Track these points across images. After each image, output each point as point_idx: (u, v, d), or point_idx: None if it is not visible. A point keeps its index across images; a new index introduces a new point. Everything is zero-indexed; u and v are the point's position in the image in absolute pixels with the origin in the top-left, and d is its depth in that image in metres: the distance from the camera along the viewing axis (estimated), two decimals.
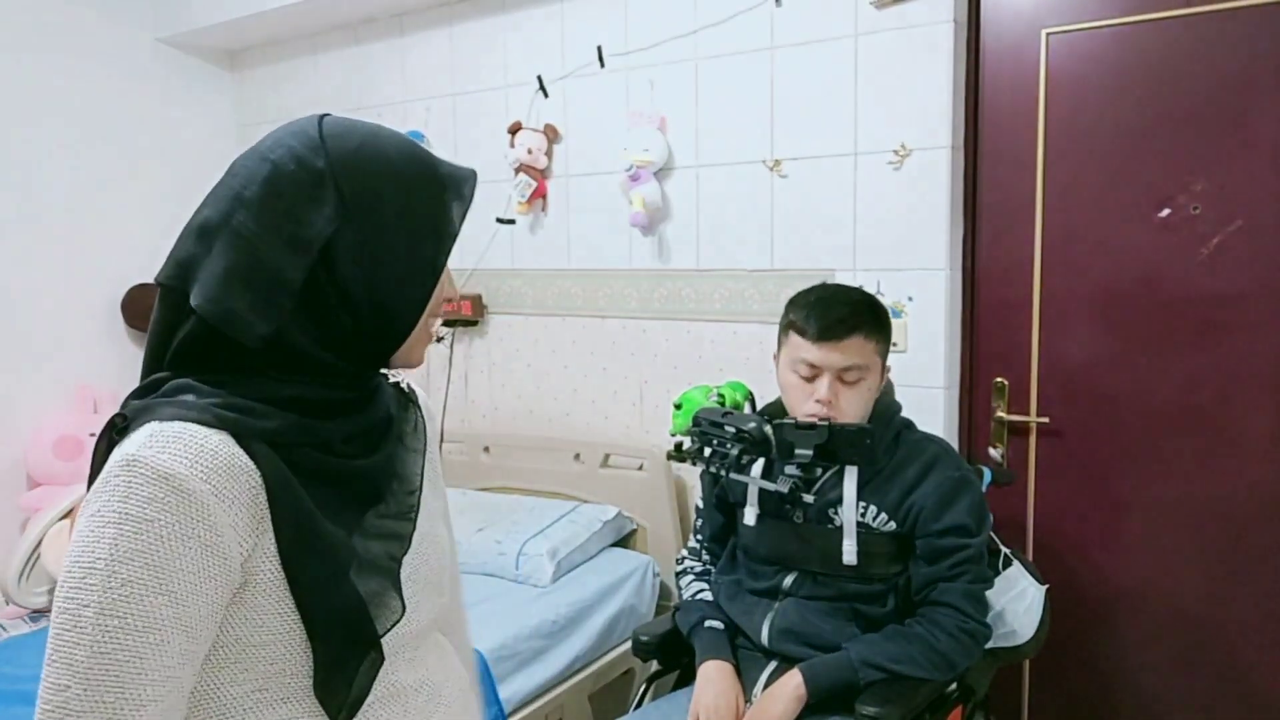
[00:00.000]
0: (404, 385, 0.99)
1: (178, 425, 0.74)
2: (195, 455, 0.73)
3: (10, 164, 2.95)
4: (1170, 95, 1.99)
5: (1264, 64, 1.90)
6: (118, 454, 0.74)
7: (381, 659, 0.84)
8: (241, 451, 0.76)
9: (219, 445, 0.75)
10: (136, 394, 0.81)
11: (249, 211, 0.79)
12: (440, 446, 1.09)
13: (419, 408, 0.99)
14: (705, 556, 1.92)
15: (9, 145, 2.94)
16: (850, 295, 1.70)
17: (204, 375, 0.80)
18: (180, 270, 0.81)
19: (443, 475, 1.06)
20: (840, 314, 1.63)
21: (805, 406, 1.65)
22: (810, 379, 1.64)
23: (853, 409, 1.64)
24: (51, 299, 3.05)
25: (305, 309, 0.79)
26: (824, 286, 1.74)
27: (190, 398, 0.77)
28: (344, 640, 0.81)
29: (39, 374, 3.02)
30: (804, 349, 1.63)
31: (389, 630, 0.84)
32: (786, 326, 1.69)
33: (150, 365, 0.83)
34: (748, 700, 1.68)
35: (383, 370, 0.95)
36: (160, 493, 0.71)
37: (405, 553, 0.88)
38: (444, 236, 0.85)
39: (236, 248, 0.78)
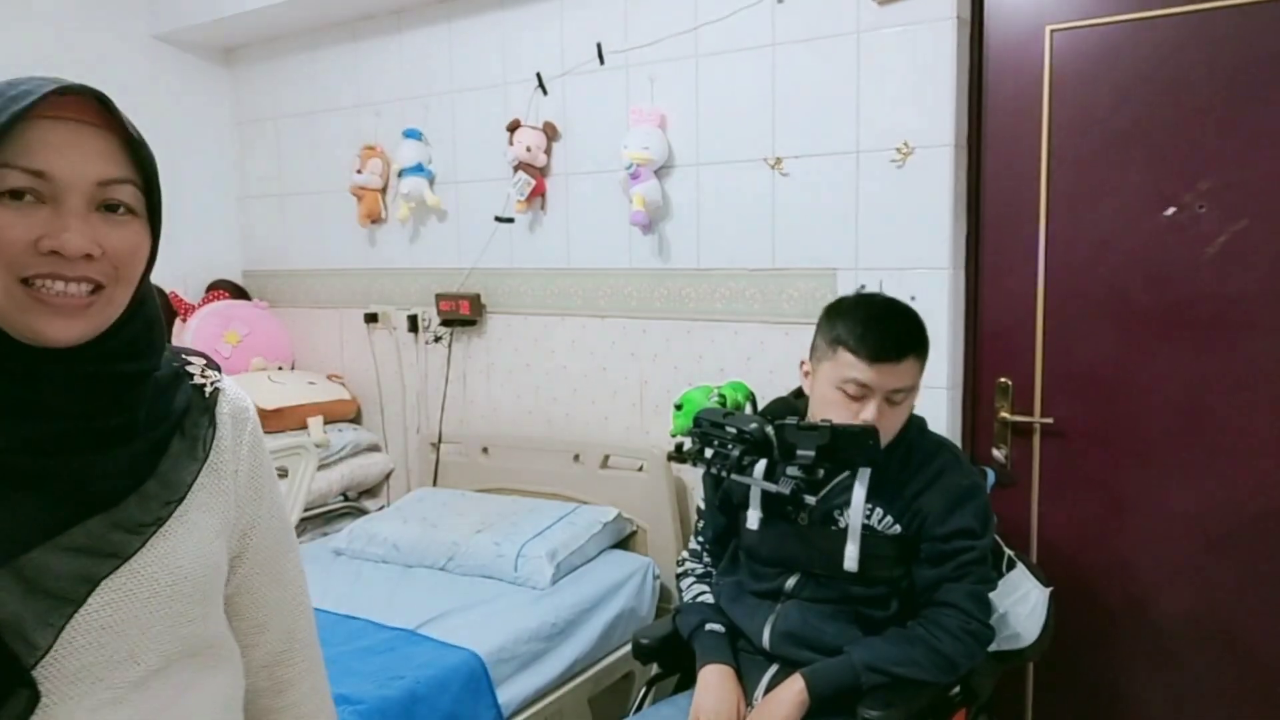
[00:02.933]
0: (207, 387, 0.88)
1: None
2: None
3: None
4: (1176, 93, 1.97)
5: (1271, 61, 1.88)
6: None
7: (36, 697, 0.73)
8: None
9: None
10: None
11: None
12: (257, 458, 0.91)
13: (214, 413, 0.87)
14: (706, 559, 1.90)
15: None
16: (898, 310, 1.65)
17: None
18: None
19: (264, 496, 0.92)
20: (896, 335, 1.59)
21: None
22: (857, 398, 1.60)
23: (894, 428, 1.64)
24: None
25: None
26: (870, 301, 1.68)
27: None
28: None
29: None
30: (856, 368, 1.58)
31: (35, 664, 0.73)
32: (834, 341, 1.61)
33: None
34: (748, 704, 1.66)
35: (189, 362, 0.86)
36: None
37: (111, 572, 0.76)
38: None
39: None
